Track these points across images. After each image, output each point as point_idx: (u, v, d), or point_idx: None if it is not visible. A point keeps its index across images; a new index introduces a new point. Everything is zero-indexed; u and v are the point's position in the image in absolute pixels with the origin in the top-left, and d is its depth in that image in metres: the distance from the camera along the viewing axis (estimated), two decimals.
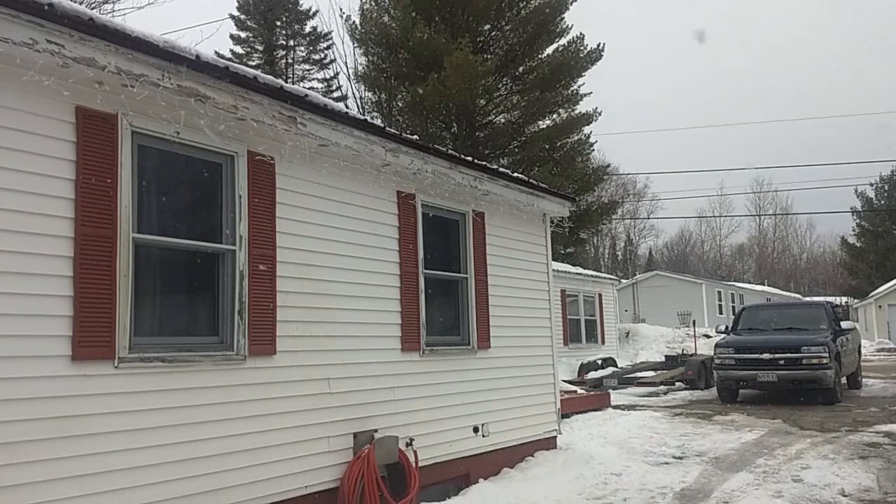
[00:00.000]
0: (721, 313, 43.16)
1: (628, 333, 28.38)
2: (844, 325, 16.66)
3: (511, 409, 8.50)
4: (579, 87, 27.35)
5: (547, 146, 26.52)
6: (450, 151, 7.68)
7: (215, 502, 5.18)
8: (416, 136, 7.15)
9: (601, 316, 23.92)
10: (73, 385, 4.43)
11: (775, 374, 14.70)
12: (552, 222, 9.81)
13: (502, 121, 27.72)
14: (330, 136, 6.13)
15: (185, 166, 5.40)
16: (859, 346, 18.73)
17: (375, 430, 6.56)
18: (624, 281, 44.10)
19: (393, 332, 7.01)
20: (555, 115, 27.13)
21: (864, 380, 18.75)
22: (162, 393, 4.92)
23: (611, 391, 16.48)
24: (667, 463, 9.18)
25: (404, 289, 7.17)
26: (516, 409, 8.61)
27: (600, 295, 24.00)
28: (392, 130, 6.78)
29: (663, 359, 22.20)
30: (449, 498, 7.21)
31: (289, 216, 5.99)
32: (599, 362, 20.25)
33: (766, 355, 14.87)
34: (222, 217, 5.54)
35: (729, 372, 15.43)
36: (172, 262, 5.31)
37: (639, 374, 19.91)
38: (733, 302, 46.35)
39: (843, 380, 16.58)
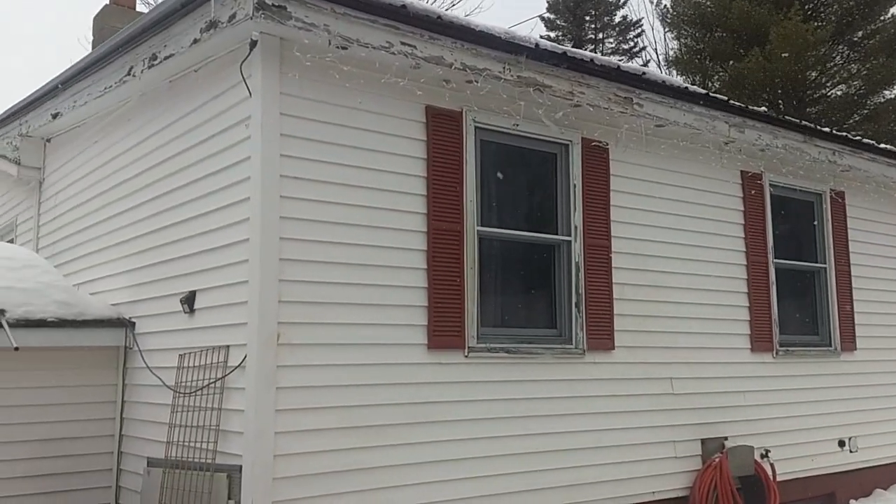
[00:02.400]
0: None
1: None
2: None
3: (884, 422, 7.20)
4: None
5: None
6: (803, 122, 6.71)
7: (564, 499, 5.06)
8: (763, 108, 6.35)
9: None
10: (428, 372, 4.61)
11: None
12: None
13: (838, 93, 24.49)
14: (667, 114, 5.68)
15: (521, 158, 5.37)
16: None
17: (725, 438, 5.94)
18: None
19: (740, 329, 6.31)
20: None
21: None
22: (506, 384, 4.93)
23: None
24: None
25: (752, 281, 6.42)
26: (891, 421, 7.27)
27: None
28: (736, 103, 6.09)
29: None
30: None
31: (623, 204, 5.69)
32: None
33: None
34: (556, 208, 5.42)
35: None
36: (510, 254, 5.31)
37: None
38: None
39: None
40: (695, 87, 5.90)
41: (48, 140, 7.03)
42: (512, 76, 4.82)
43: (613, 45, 35.39)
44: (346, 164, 4.42)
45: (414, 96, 4.66)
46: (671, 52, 26.85)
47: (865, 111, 23.62)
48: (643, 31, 34.46)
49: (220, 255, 4.43)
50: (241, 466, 4.02)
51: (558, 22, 35.48)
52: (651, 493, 5.53)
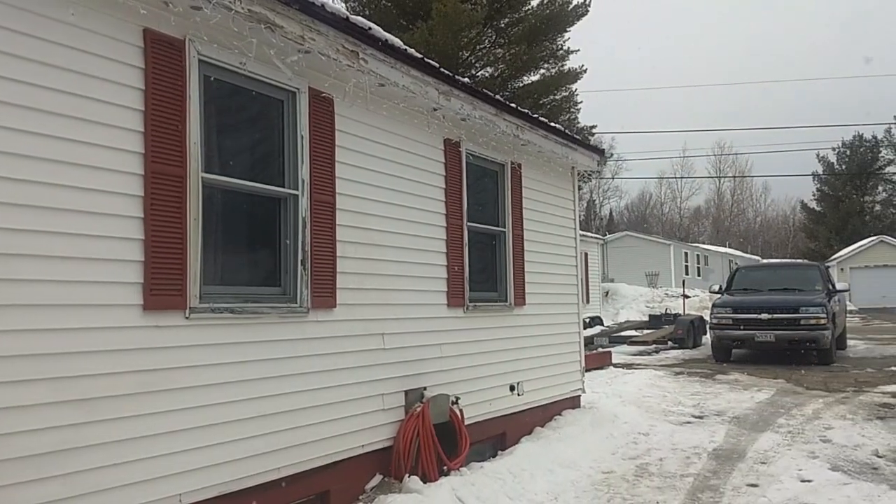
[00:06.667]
0: (687, 274, 43.76)
1: (607, 293, 28.56)
2: (839, 285, 16.84)
3: (543, 368, 8.32)
4: (565, 41, 27.03)
5: (532, 102, 26.16)
6: (497, 97, 7.29)
7: (278, 462, 4.87)
8: (467, 79, 6.74)
9: (586, 275, 23.94)
10: (145, 337, 4.04)
11: (773, 334, 14.78)
12: (579, 176, 9.54)
13: (486, 75, 27.31)
14: (389, 74, 5.71)
15: (249, 102, 4.95)
16: (845, 307, 19.03)
17: (424, 388, 6.29)
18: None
19: (440, 286, 6.70)
20: (542, 71, 26.78)
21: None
22: (231, 346, 4.56)
23: (610, 350, 16.51)
24: (689, 422, 9.14)
25: (450, 242, 6.84)
26: (548, 367, 8.43)
27: (586, 254, 23.98)
28: (446, 72, 6.36)
29: (646, 318, 22.37)
30: (490, 459, 7.04)
31: (347, 161, 5.60)
32: (587, 321, 20.28)
33: (764, 315, 14.95)
34: (284, 159, 5.13)
35: (726, 332, 15.46)
36: (235, 206, 4.88)
37: (625, 333, 20.05)
38: (699, 263, 47.11)
39: None
40: (412, 50, 6.00)
41: None
42: (243, 9, 4.37)
43: None
44: (46, 87, 3.60)
45: (134, 16, 3.97)
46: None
47: (507, 93, 26.68)
48: None
49: None
50: None
51: None
52: (361, 447, 5.61)
